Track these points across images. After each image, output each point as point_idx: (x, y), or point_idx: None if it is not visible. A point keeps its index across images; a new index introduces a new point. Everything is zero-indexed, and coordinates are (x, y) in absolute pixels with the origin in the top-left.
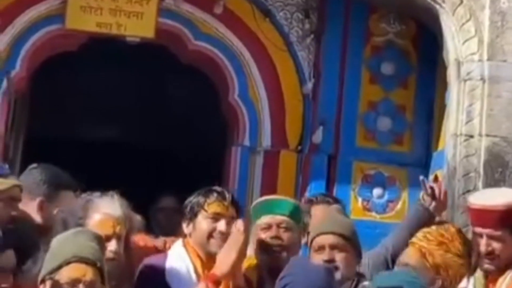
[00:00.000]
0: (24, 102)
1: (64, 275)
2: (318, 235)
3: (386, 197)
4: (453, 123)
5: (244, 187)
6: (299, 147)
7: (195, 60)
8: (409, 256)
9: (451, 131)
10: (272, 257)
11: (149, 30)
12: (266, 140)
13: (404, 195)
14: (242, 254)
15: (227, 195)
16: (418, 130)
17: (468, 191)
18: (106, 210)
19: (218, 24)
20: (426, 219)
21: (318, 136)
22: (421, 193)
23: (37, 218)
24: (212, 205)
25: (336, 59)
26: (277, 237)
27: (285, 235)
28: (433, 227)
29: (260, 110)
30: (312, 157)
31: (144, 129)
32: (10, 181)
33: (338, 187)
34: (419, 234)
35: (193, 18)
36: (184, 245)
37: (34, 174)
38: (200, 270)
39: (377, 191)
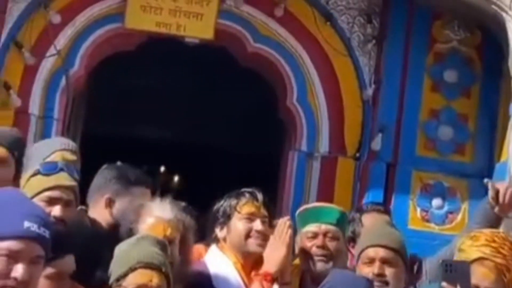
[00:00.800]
0: (82, 101)
1: (131, 281)
2: (368, 247)
3: (445, 208)
4: None
5: (300, 193)
6: (357, 154)
7: (254, 62)
8: (484, 275)
9: None
10: (317, 266)
11: (208, 31)
12: (323, 146)
13: (465, 206)
14: (290, 250)
15: (259, 196)
16: (480, 140)
17: None
18: (157, 213)
19: (278, 27)
20: (495, 220)
21: (377, 143)
22: (489, 194)
23: (106, 215)
24: (245, 206)
25: (398, 65)
26: (323, 246)
27: (331, 245)
28: (496, 239)
29: (319, 115)
30: (370, 164)
31: (201, 131)
32: (51, 181)
33: (397, 196)
34: (487, 250)
35: (253, 20)
36: (220, 249)
37: (104, 173)
38: (242, 271)
39: (436, 202)
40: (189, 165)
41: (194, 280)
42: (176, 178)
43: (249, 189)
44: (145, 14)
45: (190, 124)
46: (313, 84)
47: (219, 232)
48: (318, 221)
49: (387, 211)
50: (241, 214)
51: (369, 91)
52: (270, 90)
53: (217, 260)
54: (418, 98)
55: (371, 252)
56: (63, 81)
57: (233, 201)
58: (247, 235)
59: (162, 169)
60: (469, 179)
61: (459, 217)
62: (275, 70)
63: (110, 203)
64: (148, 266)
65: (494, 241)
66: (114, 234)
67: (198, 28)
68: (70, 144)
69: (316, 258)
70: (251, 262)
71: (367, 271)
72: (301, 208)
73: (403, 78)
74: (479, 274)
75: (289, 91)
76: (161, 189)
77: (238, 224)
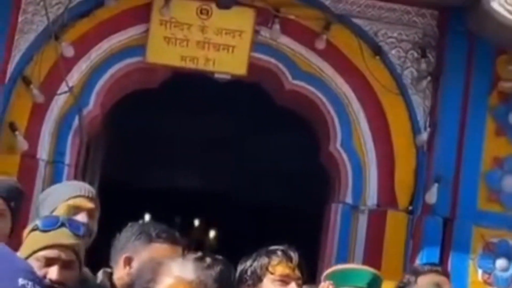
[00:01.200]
0: (99, 144)
1: None
2: None
3: (511, 270)
4: None
5: (345, 251)
6: (410, 207)
7: (292, 101)
8: None
9: None
10: None
11: (240, 66)
12: (371, 198)
13: None
14: None
15: (293, 255)
16: None
17: None
18: (177, 273)
19: (319, 61)
20: None
21: (432, 195)
22: None
23: (125, 277)
24: (279, 266)
25: (457, 106)
26: None
27: None
28: None
29: (366, 163)
30: (425, 219)
31: (231, 179)
32: (48, 239)
33: (454, 256)
34: None
35: (291, 54)
36: None
37: (126, 232)
38: None
39: (501, 263)
40: (226, 218)
41: None
42: (212, 233)
43: (281, 247)
44: (169, 46)
45: (220, 173)
46: (360, 126)
47: None
48: (346, 285)
49: (446, 273)
50: (274, 276)
51: (424, 136)
52: (311, 133)
53: None
54: (479, 143)
55: None
56: (76, 122)
57: (264, 261)
58: None
59: (197, 222)
60: None
61: None
62: (316, 110)
63: (129, 262)
64: None
65: None
66: None
67: (229, 63)
68: (87, 189)
69: None
70: None
71: None
72: (328, 271)
73: (462, 121)
74: None
75: (332, 134)
76: (195, 246)
77: (271, 287)
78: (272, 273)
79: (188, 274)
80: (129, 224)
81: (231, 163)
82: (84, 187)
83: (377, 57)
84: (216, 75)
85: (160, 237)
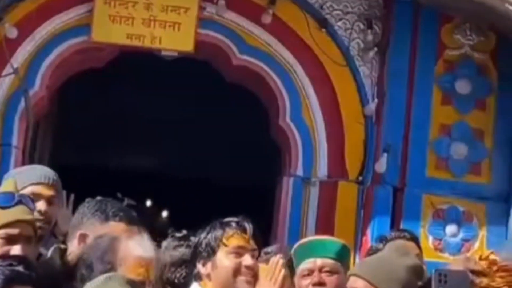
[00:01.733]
0: (48, 126)
1: None
2: (349, 275)
3: (461, 235)
4: None
5: (297, 223)
6: (360, 178)
7: (240, 77)
8: None
9: None
10: None
11: (187, 43)
12: (322, 170)
13: (483, 233)
14: None
15: (247, 226)
16: (498, 159)
17: None
18: (138, 252)
19: (266, 35)
20: None
21: (382, 165)
22: None
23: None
24: (232, 238)
25: (403, 76)
26: (320, 283)
27: (329, 280)
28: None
29: (316, 135)
30: (375, 189)
31: (184, 157)
32: (9, 216)
33: (405, 224)
34: None
35: (237, 29)
36: None
37: (82, 208)
38: None
39: (450, 229)
40: (178, 198)
41: None
42: (164, 214)
43: (235, 219)
44: (114, 25)
45: (171, 151)
46: (308, 99)
47: (202, 268)
48: (313, 255)
49: (414, 238)
50: (228, 248)
51: (372, 106)
52: (260, 107)
53: None
54: (427, 112)
55: (350, 282)
56: (22, 104)
57: (218, 233)
58: (236, 272)
59: (148, 203)
60: (486, 202)
61: (477, 245)
62: (264, 85)
63: (84, 239)
64: None
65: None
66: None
67: (176, 40)
68: (47, 176)
69: None
70: None
71: None
72: (296, 244)
73: (409, 90)
74: None
75: (281, 108)
76: (147, 226)
77: (224, 260)
78: (226, 245)
79: (147, 252)
80: (86, 200)
81: (182, 140)
82: (45, 174)
83: (324, 30)
84: (163, 53)
85: (117, 216)
